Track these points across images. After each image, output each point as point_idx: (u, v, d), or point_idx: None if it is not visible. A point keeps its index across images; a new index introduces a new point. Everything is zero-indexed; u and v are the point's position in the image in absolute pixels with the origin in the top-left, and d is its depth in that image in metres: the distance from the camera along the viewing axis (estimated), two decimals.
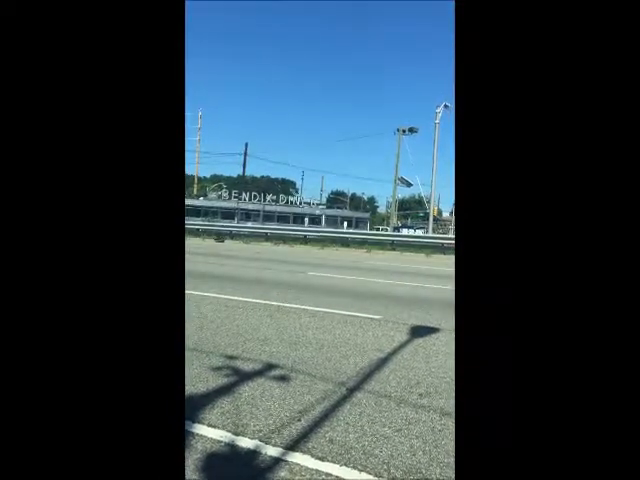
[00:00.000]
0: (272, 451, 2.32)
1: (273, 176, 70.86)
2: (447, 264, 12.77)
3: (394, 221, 35.40)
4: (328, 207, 44.71)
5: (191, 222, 29.48)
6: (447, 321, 5.41)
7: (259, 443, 2.39)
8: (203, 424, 2.56)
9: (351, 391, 3.16)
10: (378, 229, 41.58)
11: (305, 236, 23.94)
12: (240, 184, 41.49)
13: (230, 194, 37.99)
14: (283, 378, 3.37)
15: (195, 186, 43.59)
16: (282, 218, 36.30)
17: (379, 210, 64.57)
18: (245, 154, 38.93)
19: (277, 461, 2.24)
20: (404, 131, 31.15)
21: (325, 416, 2.73)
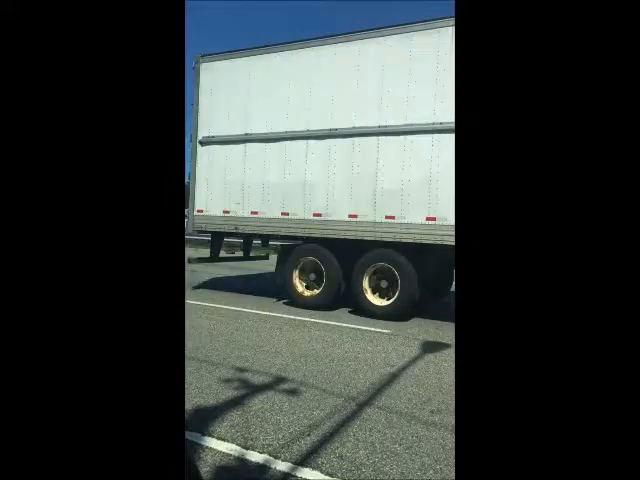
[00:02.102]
0: (281, 466, 2.30)
1: None
2: None
3: None
4: None
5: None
6: None
7: (268, 457, 2.38)
8: (212, 437, 2.55)
9: (361, 406, 3.14)
10: None
11: None
12: None
13: None
14: (293, 392, 3.35)
15: None
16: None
17: None
18: None
19: (286, 476, 2.22)
20: None
21: (335, 431, 2.71)
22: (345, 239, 6.24)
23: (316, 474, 2.24)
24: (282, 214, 6.68)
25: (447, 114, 5.44)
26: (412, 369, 4.08)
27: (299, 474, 2.24)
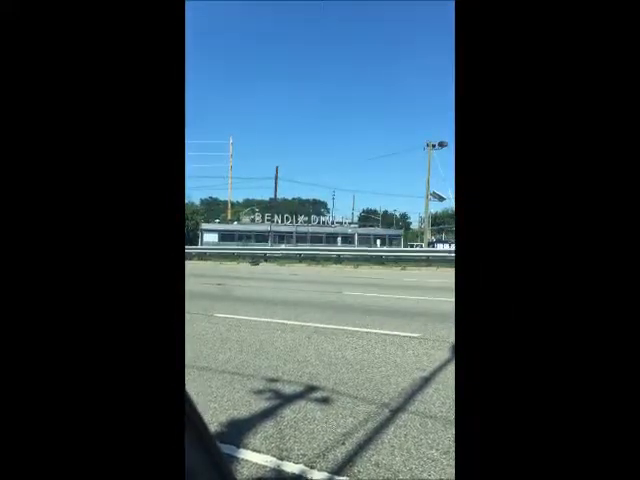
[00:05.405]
0: (318, 476, 2.29)
1: (304, 197, 71.34)
2: None
3: (428, 237, 34.93)
4: (360, 226, 44.45)
5: (226, 246, 30.01)
6: None
7: (304, 468, 2.37)
8: (248, 449, 2.56)
9: (394, 412, 3.10)
10: (412, 245, 41.08)
11: (338, 256, 23.90)
12: (272, 207, 42.07)
13: (263, 217, 38.51)
14: (324, 400, 3.34)
15: (229, 211, 44.43)
16: (315, 239, 36.32)
17: (412, 226, 63.89)
18: (276, 178, 39.59)
19: None
20: (434, 145, 30.99)
21: (369, 439, 2.68)
22: None
23: None
24: None
25: None
26: (444, 372, 4.02)
27: None
